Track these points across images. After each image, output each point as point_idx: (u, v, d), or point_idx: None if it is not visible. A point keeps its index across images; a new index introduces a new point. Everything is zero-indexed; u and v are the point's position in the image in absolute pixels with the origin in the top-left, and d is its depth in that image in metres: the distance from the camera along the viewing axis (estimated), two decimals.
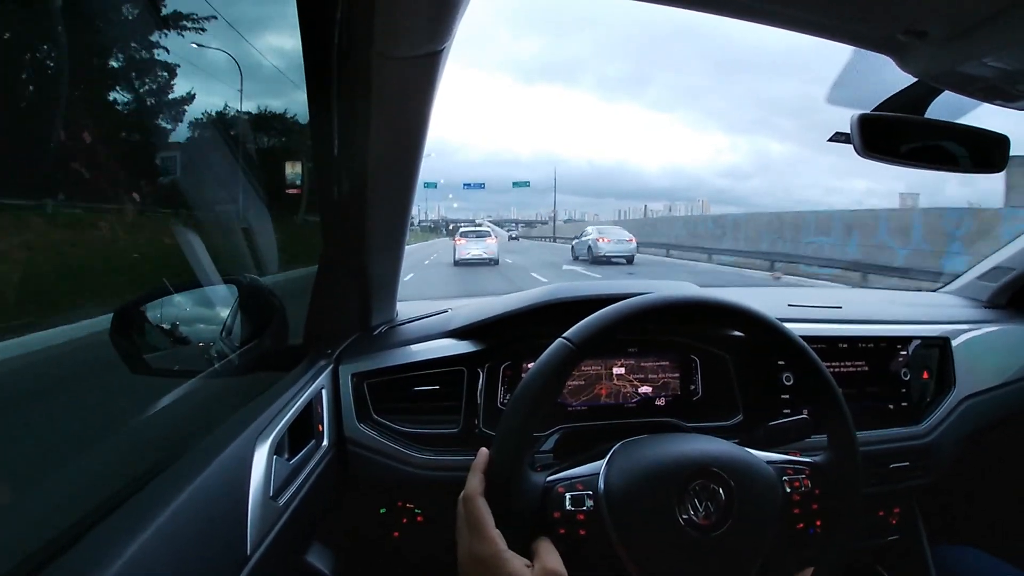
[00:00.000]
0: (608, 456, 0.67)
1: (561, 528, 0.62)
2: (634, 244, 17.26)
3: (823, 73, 0.77)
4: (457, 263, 15.36)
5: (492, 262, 15.44)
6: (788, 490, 0.67)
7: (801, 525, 0.68)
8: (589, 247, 17.04)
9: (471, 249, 15.99)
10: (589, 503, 0.63)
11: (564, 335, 0.65)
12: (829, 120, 0.80)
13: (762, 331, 0.72)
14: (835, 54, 0.71)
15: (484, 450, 0.66)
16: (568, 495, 0.63)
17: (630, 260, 16.60)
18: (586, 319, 0.67)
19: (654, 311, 0.68)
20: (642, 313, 0.67)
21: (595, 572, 0.63)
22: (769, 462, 0.68)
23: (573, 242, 20.13)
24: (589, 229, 19.42)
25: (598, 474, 0.65)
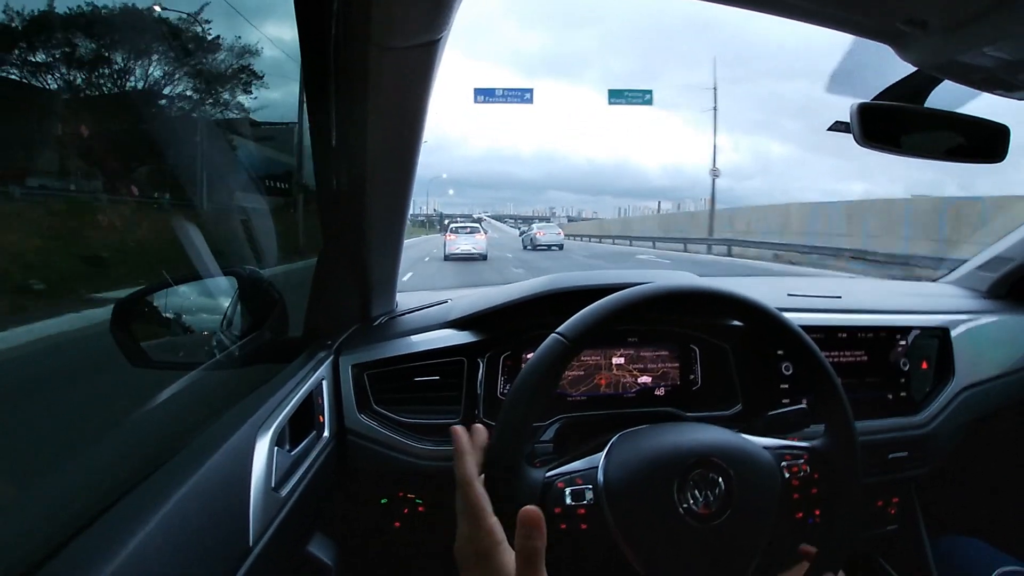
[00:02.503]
0: (607, 449, 0.67)
1: (562, 523, 0.62)
2: (562, 236, 23.92)
3: (831, 68, 0.77)
4: (447, 258, 16.01)
5: (481, 257, 16.17)
6: (787, 475, 0.67)
7: (800, 515, 0.68)
8: (532, 238, 22.60)
9: (461, 244, 16.82)
10: (589, 496, 0.63)
11: (557, 330, 0.65)
12: (832, 121, 0.80)
13: (760, 320, 0.72)
14: (843, 50, 0.71)
15: (459, 428, 0.65)
16: (568, 490, 0.64)
17: (561, 247, 21.86)
18: (579, 313, 0.66)
19: (648, 302, 0.68)
20: (636, 305, 0.67)
21: (598, 565, 0.63)
22: (767, 447, 0.68)
23: (521, 236, 27.02)
24: (535, 225, 27.12)
25: (597, 467, 0.65)
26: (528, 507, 0.53)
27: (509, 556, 0.55)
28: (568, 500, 0.63)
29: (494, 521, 0.57)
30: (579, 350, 0.65)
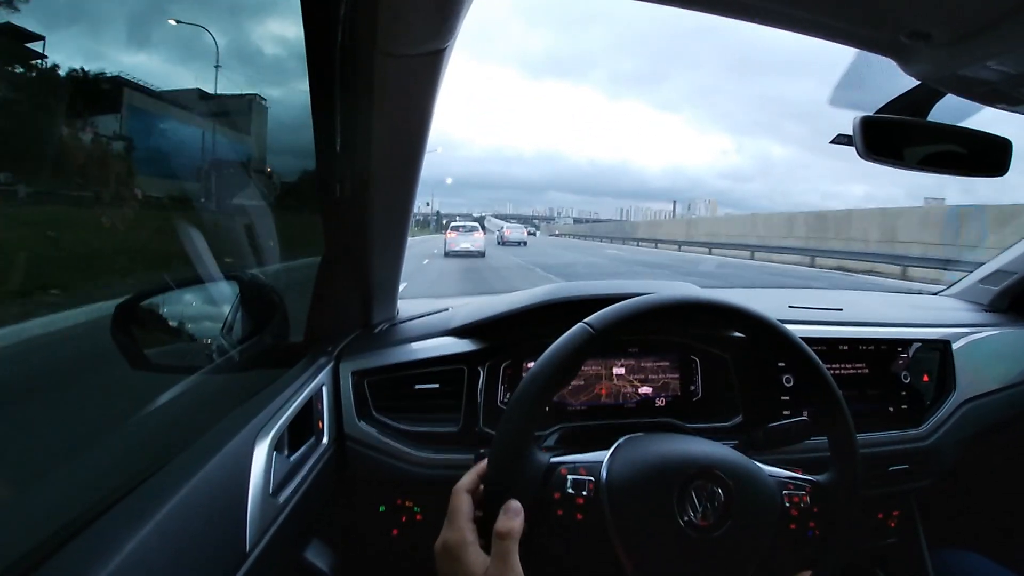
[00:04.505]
0: (613, 447, 0.68)
1: (559, 509, 0.63)
2: (525, 234, 29.24)
3: (834, 78, 0.77)
4: (448, 255, 16.82)
5: (479, 254, 17.08)
6: (787, 504, 0.67)
7: (793, 526, 0.68)
8: (502, 236, 27.73)
9: (460, 242, 17.75)
10: (590, 489, 0.64)
11: (585, 320, 0.66)
12: (834, 125, 0.80)
13: (763, 332, 0.72)
14: (847, 59, 0.71)
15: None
16: (570, 477, 0.64)
17: (525, 244, 26.41)
18: (607, 308, 0.67)
19: (668, 309, 0.69)
20: (658, 310, 0.68)
21: (587, 559, 0.63)
22: (771, 475, 0.68)
23: (495, 233, 32.09)
24: (504, 225, 33.55)
25: (602, 462, 0.66)
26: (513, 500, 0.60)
27: (477, 555, 0.59)
28: (569, 488, 0.64)
29: (467, 525, 0.61)
30: (603, 342, 0.65)
